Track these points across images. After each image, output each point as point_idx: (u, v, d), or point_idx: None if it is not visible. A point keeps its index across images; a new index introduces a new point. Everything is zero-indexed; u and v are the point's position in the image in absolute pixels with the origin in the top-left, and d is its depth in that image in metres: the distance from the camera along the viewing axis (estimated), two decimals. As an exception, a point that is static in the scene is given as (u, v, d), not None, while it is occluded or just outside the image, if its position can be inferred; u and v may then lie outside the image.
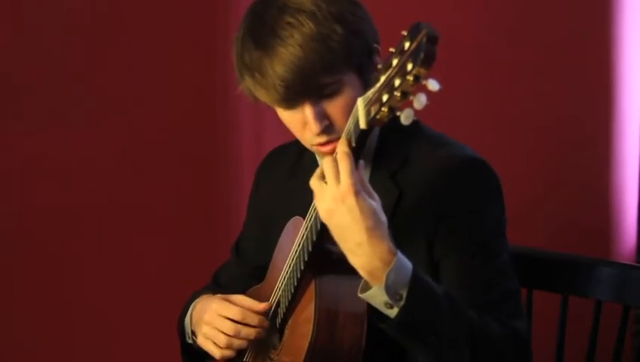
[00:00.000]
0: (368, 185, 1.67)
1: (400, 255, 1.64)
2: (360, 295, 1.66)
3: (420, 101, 1.47)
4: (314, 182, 1.69)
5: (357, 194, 1.61)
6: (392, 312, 1.64)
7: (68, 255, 2.96)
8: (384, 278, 1.62)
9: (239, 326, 1.90)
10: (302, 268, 1.79)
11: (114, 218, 2.98)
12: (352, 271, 1.66)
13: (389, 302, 1.63)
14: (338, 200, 1.62)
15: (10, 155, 2.90)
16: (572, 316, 2.14)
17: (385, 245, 1.63)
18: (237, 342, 1.91)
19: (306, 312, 1.80)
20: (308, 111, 1.79)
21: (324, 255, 1.76)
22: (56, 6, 2.89)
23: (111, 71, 2.92)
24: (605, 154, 2.93)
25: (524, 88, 2.92)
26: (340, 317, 1.78)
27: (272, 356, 1.92)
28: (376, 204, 1.64)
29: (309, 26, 1.75)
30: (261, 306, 1.91)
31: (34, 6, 2.87)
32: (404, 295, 1.63)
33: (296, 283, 1.82)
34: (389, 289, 1.62)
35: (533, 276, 2.14)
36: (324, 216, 1.66)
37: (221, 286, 2.15)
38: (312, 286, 1.79)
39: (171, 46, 2.95)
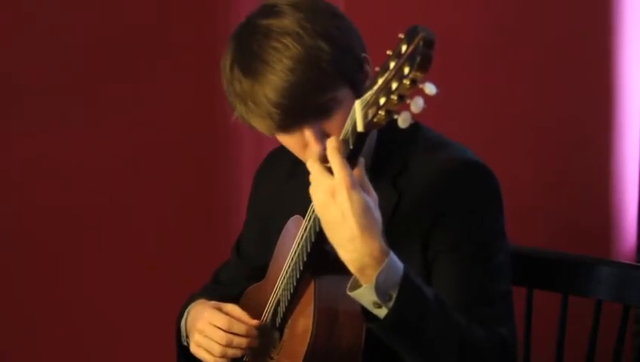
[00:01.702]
0: (367, 181, 1.64)
1: (392, 254, 1.62)
2: (349, 293, 1.64)
3: (417, 104, 1.45)
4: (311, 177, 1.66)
5: (349, 188, 1.58)
6: (381, 312, 1.62)
7: (68, 255, 2.96)
8: (374, 277, 1.60)
9: (231, 335, 1.90)
10: (301, 268, 1.79)
11: (114, 218, 2.98)
12: (350, 271, 1.64)
13: (378, 301, 1.61)
14: (328, 195, 1.59)
15: (10, 155, 2.90)
16: (572, 316, 2.14)
17: (377, 243, 1.59)
18: (231, 351, 1.91)
19: (306, 312, 1.80)
20: (308, 134, 1.78)
21: (322, 255, 1.75)
22: (56, 6, 2.89)
23: (111, 71, 2.92)
24: (605, 154, 2.92)
25: (524, 88, 2.91)
26: (339, 316, 1.78)
27: (273, 355, 1.92)
28: (371, 200, 1.60)
29: (295, 48, 1.72)
30: (252, 322, 1.91)
31: (34, 6, 2.87)
32: (394, 295, 1.61)
33: (295, 283, 1.82)
34: (379, 289, 1.60)
35: (533, 276, 2.14)
36: (317, 210, 1.63)
37: (221, 284, 2.16)
38: (312, 286, 1.80)
39: (171, 46, 2.95)
